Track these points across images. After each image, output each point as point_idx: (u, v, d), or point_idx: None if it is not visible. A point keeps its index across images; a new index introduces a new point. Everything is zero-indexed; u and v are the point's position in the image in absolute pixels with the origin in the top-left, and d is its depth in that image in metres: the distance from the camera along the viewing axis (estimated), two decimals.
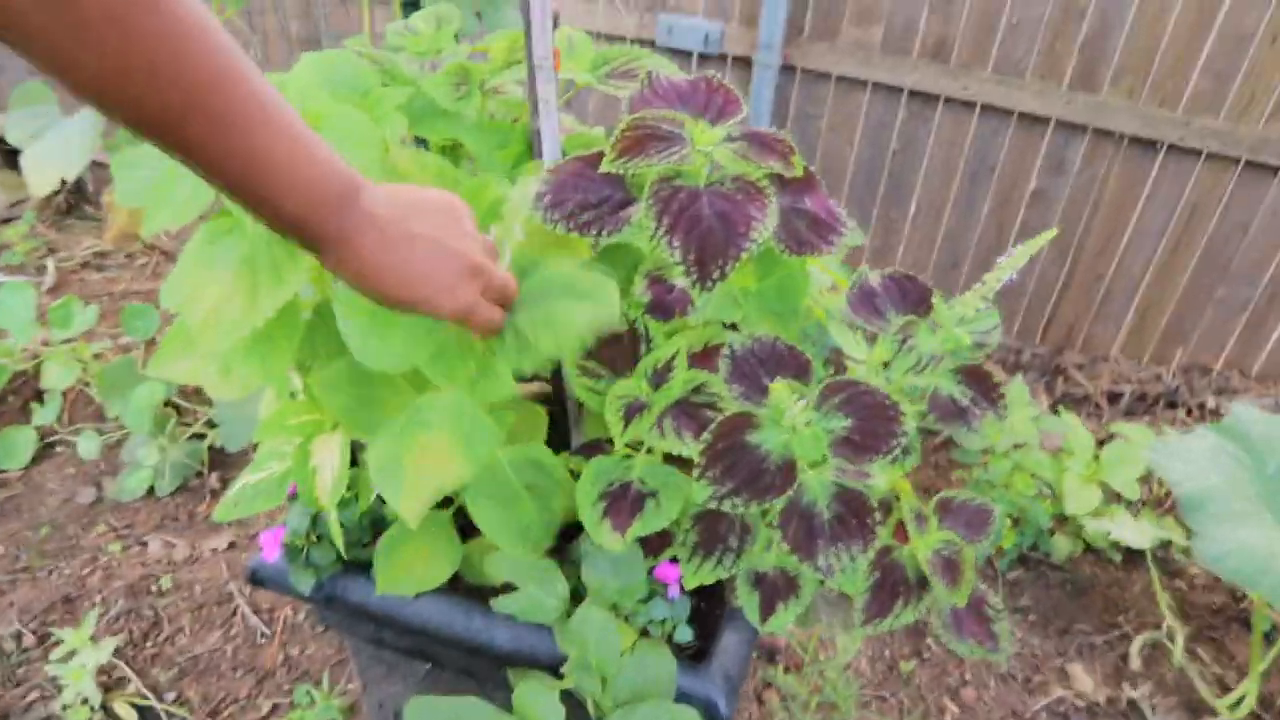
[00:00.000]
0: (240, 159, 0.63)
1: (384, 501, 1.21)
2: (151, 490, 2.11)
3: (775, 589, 1.02)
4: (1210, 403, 2.98)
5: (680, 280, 1.02)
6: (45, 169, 1.92)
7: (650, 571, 1.12)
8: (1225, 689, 1.78)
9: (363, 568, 1.19)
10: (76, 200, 3.26)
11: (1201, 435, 1.49)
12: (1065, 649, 1.85)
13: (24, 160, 1.90)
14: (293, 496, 1.17)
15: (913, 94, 2.89)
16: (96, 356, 2.35)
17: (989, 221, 3.00)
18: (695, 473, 0.89)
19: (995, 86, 2.79)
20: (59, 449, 2.25)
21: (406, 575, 1.12)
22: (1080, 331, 3.09)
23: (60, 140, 2.06)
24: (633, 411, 0.96)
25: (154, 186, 1.12)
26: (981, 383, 1.05)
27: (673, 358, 0.97)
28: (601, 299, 0.93)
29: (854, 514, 0.91)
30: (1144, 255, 2.92)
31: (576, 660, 1.05)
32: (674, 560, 1.15)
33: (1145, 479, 2.05)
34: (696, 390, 0.97)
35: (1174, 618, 1.84)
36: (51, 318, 2.18)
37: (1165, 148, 2.74)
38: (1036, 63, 2.75)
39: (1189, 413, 2.88)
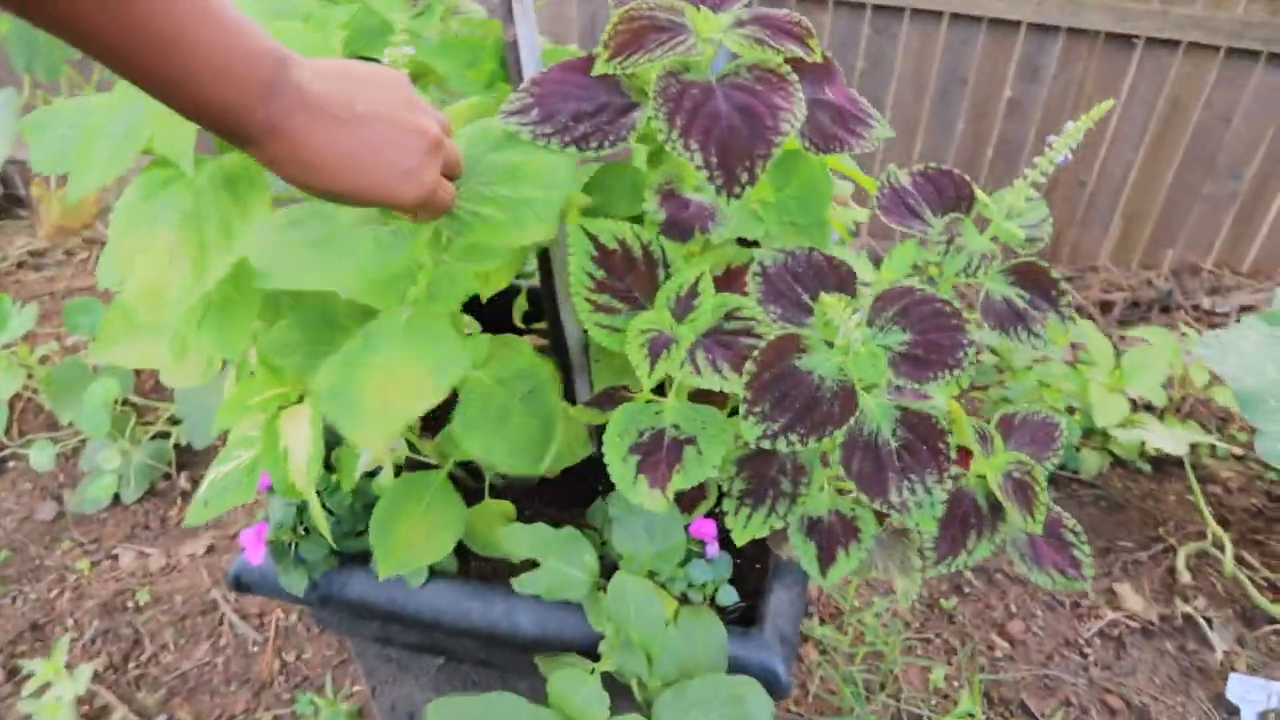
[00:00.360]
0: (145, 32, 0.53)
1: (371, 476, 1.07)
2: (117, 498, 1.95)
3: (833, 535, 0.90)
4: (1205, 303, 2.90)
5: (694, 194, 0.89)
6: None
7: (685, 530, 1.00)
8: (1278, 593, 1.70)
9: (360, 559, 1.06)
10: (5, 202, 3.05)
11: (1250, 325, 1.40)
12: (1110, 568, 1.76)
13: None
14: (269, 488, 1.04)
15: (877, 8, 2.75)
16: (43, 360, 2.18)
17: (965, 136, 2.89)
18: (741, 409, 0.77)
19: None
20: (10, 464, 2.08)
21: (408, 551, 0.99)
22: (1066, 242, 3.00)
23: None
24: (659, 347, 0.83)
25: (73, 147, 0.97)
26: (1038, 281, 0.93)
27: (697, 282, 0.85)
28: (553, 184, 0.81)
29: (923, 440, 0.79)
30: (1126, 157, 2.82)
31: (615, 638, 0.93)
32: (710, 515, 1.03)
33: (1167, 383, 1.96)
34: (729, 316, 0.84)
35: (1216, 525, 1.76)
36: None
37: (1143, 42, 2.63)
38: None
39: (1185, 315, 2.81)
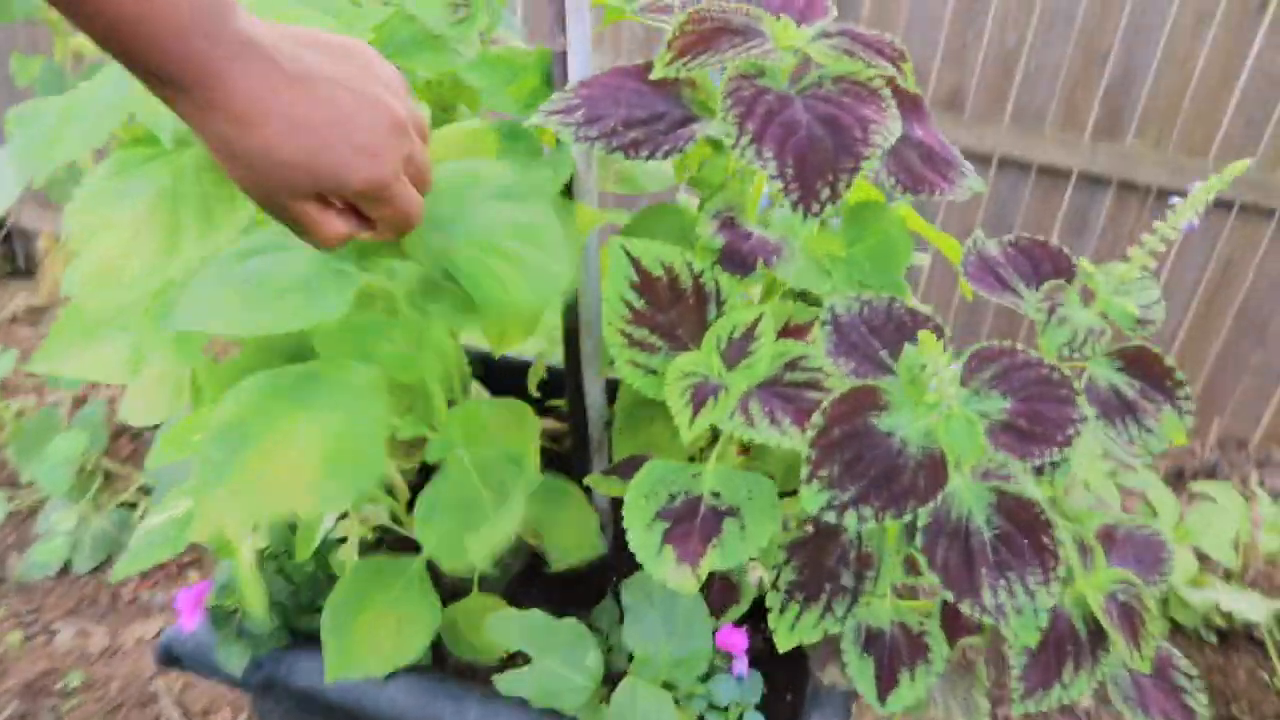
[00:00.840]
0: None
1: (339, 543, 0.91)
2: (67, 567, 1.76)
3: (896, 652, 0.73)
4: (1253, 476, 2.73)
5: (757, 227, 0.76)
6: None
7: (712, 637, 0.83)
8: None
9: (316, 639, 0.89)
10: (15, 265, 2.98)
11: None
12: None
13: None
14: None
15: None
16: (19, 415, 2.03)
17: None
18: (804, 472, 0.62)
19: (1014, 137, 2.61)
20: None
21: (369, 651, 0.81)
22: None
23: None
24: (704, 394, 0.68)
25: (48, 134, 0.85)
26: (1150, 369, 0.79)
27: (755, 324, 0.70)
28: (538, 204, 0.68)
29: (1023, 532, 0.64)
30: (1174, 318, 2.71)
31: None
32: (740, 623, 0.86)
33: (1237, 544, 1.78)
34: (790, 366, 0.70)
35: None
36: None
37: None
38: (1057, 112, 2.58)
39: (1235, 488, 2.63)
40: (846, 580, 0.70)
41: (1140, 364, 0.79)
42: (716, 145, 0.83)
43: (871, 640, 0.74)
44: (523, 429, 0.84)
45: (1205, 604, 1.64)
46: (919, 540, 0.62)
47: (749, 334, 0.71)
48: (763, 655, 0.89)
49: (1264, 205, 2.51)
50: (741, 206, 0.77)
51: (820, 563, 0.71)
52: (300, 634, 0.89)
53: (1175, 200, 0.76)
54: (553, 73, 0.86)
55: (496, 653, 0.89)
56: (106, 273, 0.71)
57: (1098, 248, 2.69)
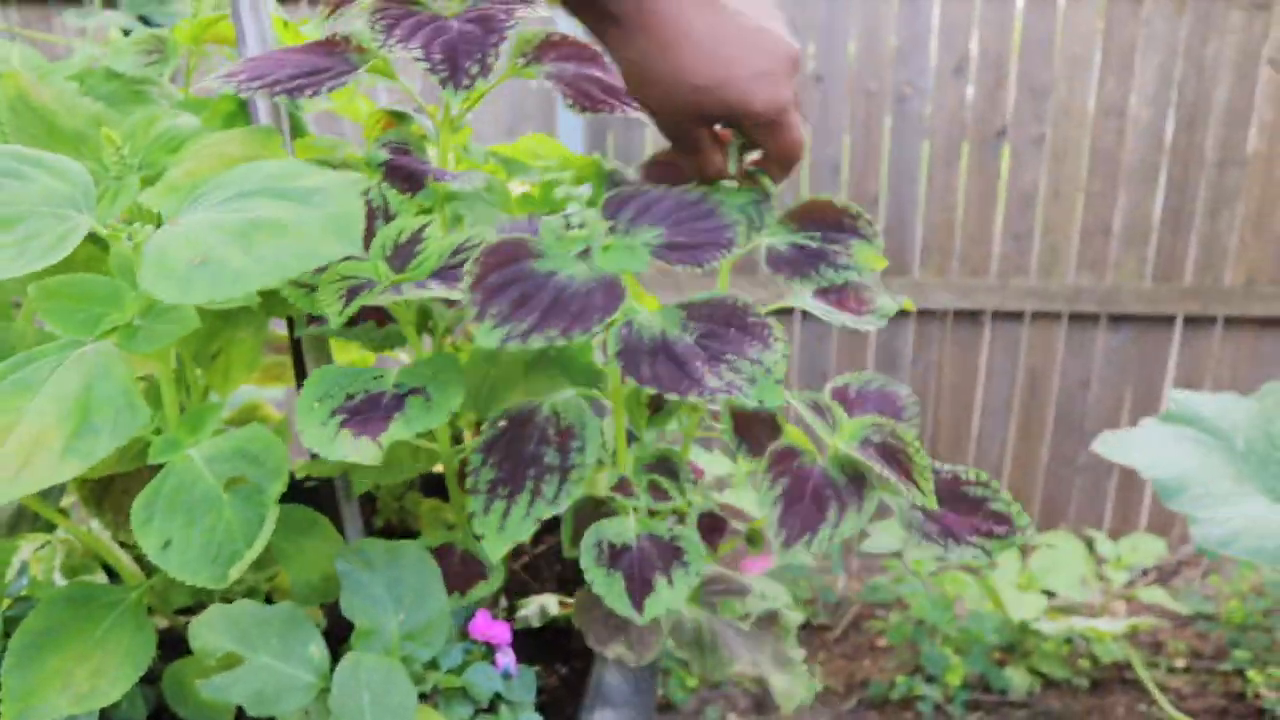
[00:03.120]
0: None
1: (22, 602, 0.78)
2: None
3: (645, 561, 0.66)
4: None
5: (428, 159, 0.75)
6: None
7: (465, 625, 0.73)
8: None
9: None
10: None
11: (1149, 428, 1.26)
12: None
13: None
14: None
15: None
16: None
17: None
18: (471, 313, 0.57)
19: None
20: None
21: (59, 689, 0.68)
22: None
23: None
24: (358, 289, 0.64)
25: None
26: (823, 218, 0.76)
27: (423, 228, 0.67)
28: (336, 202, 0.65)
29: (726, 324, 0.61)
30: (998, 436, 2.80)
31: None
32: (492, 609, 0.77)
33: (1084, 581, 1.74)
34: (458, 251, 0.66)
35: None
36: None
37: (990, 316, 2.70)
38: None
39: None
40: (551, 459, 0.63)
41: (812, 217, 0.76)
42: (398, 116, 0.83)
43: (617, 556, 0.66)
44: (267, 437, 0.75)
45: (1060, 632, 1.58)
46: (619, 364, 0.58)
47: (416, 237, 0.67)
48: (531, 649, 0.80)
49: (1049, 310, 2.67)
50: (417, 145, 0.76)
51: (519, 451, 0.64)
52: None
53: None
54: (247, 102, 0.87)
55: (230, 715, 0.76)
56: None
57: (911, 375, 2.79)
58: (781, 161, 0.70)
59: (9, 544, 0.78)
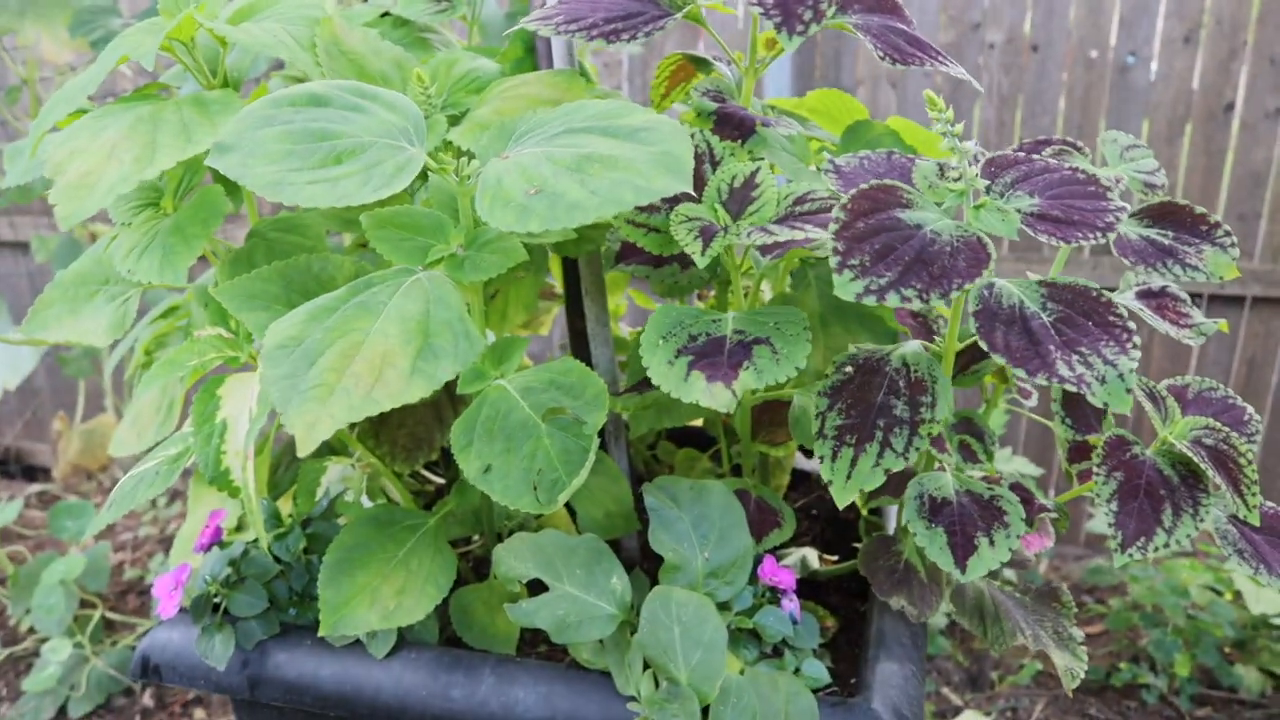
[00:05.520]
0: None
1: (338, 515, 0.83)
2: (63, 711, 1.61)
3: (967, 519, 0.64)
4: None
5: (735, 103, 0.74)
6: None
7: (755, 565, 0.73)
8: None
9: (309, 630, 0.79)
10: (27, 471, 2.96)
11: None
12: None
13: None
14: (205, 547, 0.80)
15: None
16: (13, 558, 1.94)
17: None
18: (833, 263, 0.56)
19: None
20: None
21: (369, 605, 0.72)
22: None
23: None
24: (711, 232, 0.63)
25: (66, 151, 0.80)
26: (1178, 219, 0.74)
27: (755, 173, 0.66)
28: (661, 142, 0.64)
29: (1084, 314, 0.57)
30: None
31: (652, 694, 0.64)
32: (786, 555, 0.76)
33: None
34: (799, 201, 0.65)
35: None
36: None
37: (1206, 300, 2.51)
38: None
39: None
40: (900, 411, 0.62)
41: (1167, 217, 0.75)
42: (698, 62, 0.81)
43: (938, 510, 0.65)
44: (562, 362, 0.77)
45: None
46: (974, 325, 0.55)
47: (750, 182, 0.66)
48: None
49: (1273, 295, 2.46)
50: (724, 82, 0.75)
51: (867, 400, 0.63)
52: (289, 626, 0.79)
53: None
54: (533, 41, 0.88)
55: (513, 643, 0.79)
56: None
57: None
58: None
59: (318, 464, 0.83)
